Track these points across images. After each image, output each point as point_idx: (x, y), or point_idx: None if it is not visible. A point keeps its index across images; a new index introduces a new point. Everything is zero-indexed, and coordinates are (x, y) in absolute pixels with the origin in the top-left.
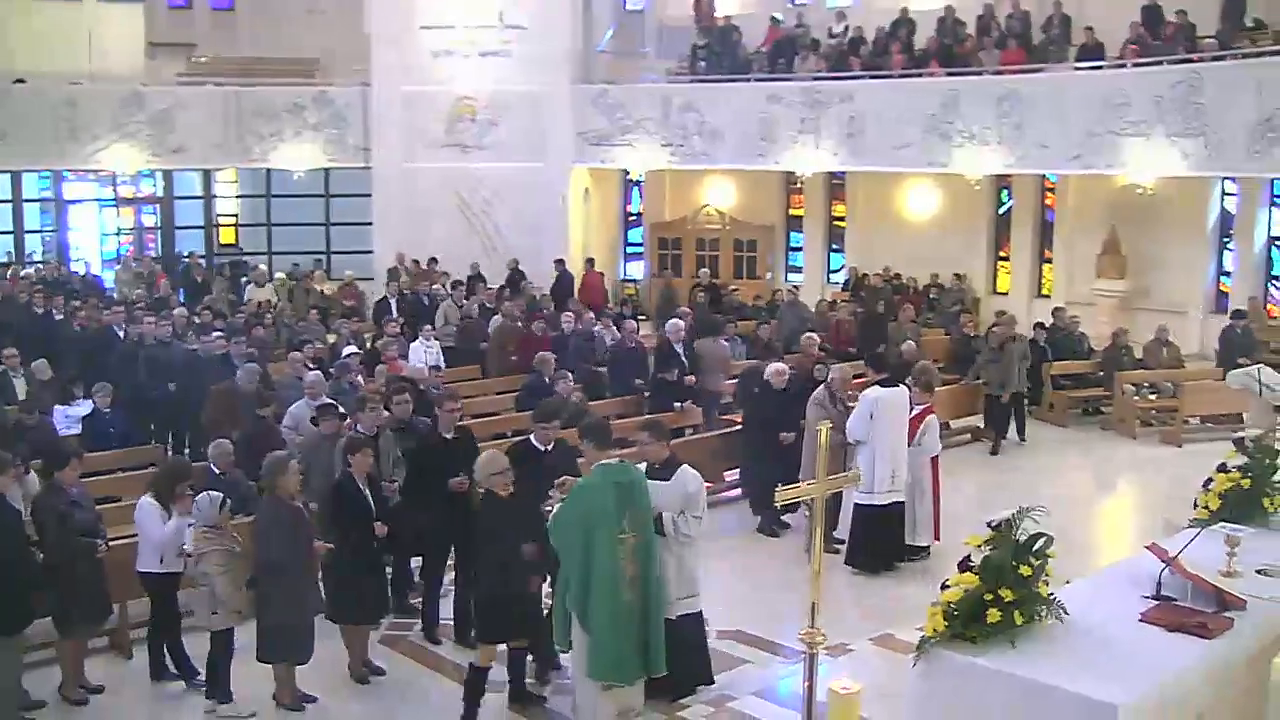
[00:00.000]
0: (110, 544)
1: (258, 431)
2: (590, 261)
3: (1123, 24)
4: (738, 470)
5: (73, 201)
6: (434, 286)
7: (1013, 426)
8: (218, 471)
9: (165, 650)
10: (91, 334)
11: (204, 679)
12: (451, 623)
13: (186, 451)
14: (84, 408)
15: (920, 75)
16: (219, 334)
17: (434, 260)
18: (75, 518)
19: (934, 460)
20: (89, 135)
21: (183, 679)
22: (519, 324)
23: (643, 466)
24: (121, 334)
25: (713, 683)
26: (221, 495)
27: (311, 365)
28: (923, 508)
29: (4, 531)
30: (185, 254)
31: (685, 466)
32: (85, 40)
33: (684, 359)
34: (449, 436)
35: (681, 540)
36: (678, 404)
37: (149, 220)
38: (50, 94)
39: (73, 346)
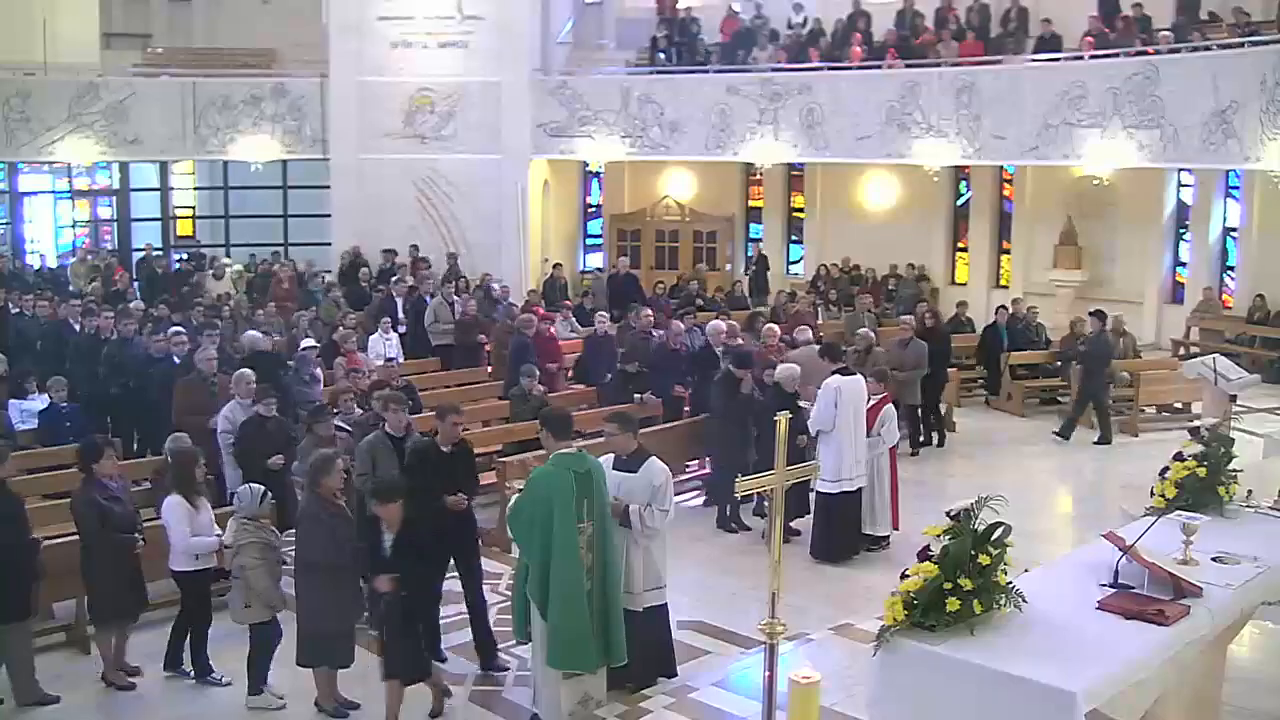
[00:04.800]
0: (144, 538)
1: (258, 426)
2: (415, 248)
3: (1080, 17)
4: (707, 469)
5: (27, 193)
6: (395, 280)
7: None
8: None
9: (187, 643)
10: (45, 327)
11: (218, 676)
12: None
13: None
14: (39, 402)
15: (879, 67)
16: (177, 329)
17: (393, 252)
18: (115, 513)
19: (891, 450)
20: (43, 126)
21: (195, 675)
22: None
23: (609, 458)
24: (77, 328)
25: (675, 675)
26: (262, 488)
27: None
28: (881, 498)
29: (6, 521)
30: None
31: (653, 459)
32: (40, 30)
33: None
34: (447, 450)
35: (646, 533)
36: (638, 395)
37: (105, 212)
38: (4, 85)
39: (27, 340)
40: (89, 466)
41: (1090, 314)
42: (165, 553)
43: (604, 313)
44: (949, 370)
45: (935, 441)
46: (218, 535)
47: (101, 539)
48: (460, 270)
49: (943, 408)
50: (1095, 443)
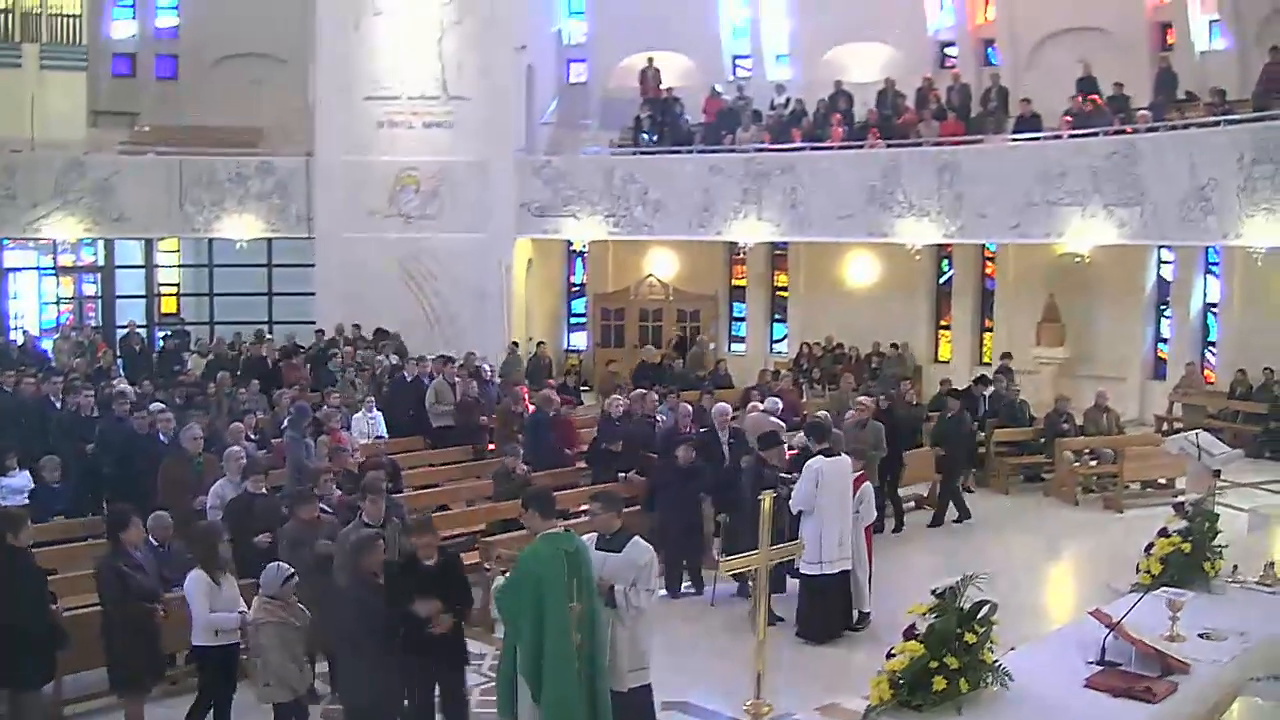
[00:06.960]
0: (167, 609)
1: (246, 504)
2: (357, 327)
3: (1059, 96)
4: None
5: (12, 269)
6: (378, 357)
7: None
8: (156, 543)
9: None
10: (27, 404)
11: None
12: None
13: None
14: (18, 478)
15: (861, 146)
16: (161, 407)
17: (322, 332)
18: (136, 580)
19: (866, 529)
20: (29, 203)
21: None
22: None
23: (592, 537)
24: (58, 405)
25: None
26: (289, 568)
27: (253, 436)
28: (864, 575)
29: (28, 589)
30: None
31: (637, 538)
32: (27, 107)
33: (725, 445)
34: (430, 563)
35: (631, 613)
36: (621, 474)
37: (90, 289)
38: None
39: (9, 416)
40: (116, 534)
41: (948, 394)
42: (189, 626)
43: (621, 397)
44: (919, 450)
45: (891, 526)
46: (241, 612)
47: (121, 606)
48: (405, 348)
49: (926, 487)
50: (955, 521)
